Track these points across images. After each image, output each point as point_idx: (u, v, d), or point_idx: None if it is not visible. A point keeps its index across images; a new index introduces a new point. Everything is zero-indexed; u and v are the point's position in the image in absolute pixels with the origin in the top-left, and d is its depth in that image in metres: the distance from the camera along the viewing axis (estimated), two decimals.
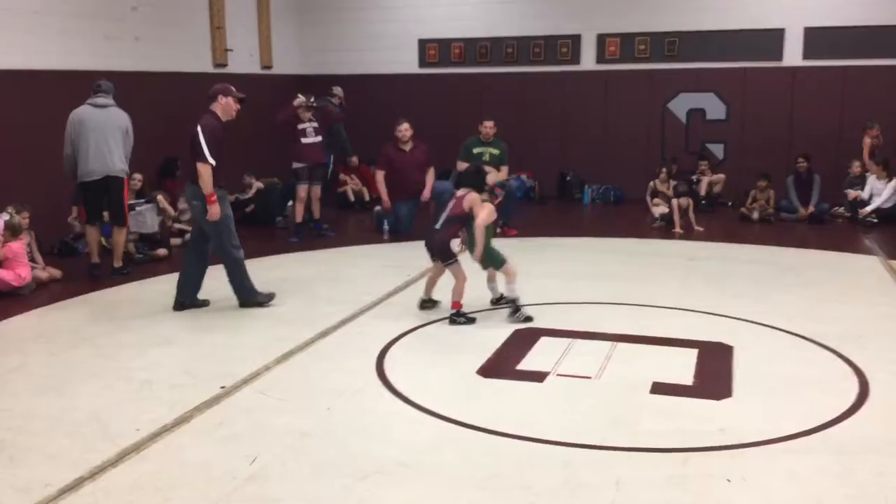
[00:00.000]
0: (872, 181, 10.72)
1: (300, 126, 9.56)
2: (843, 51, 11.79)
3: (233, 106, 6.54)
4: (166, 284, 7.57)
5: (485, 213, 6.27)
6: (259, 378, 5.04)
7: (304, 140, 9.57)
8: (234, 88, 6.60)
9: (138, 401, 4.74)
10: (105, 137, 7.69)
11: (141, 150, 8.99)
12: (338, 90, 11.46)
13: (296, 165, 9.64)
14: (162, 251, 8.78)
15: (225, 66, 11.90)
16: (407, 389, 4.82)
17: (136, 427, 4.30)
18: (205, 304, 6.76)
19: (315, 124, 9.64)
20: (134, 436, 4.20)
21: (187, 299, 6.66)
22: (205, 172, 6.31)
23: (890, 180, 10.60)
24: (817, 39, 11.88)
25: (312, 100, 9.82)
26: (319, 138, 9.66)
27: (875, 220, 10.44)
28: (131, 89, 10.16)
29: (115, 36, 10.14)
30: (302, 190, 9.69)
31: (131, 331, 6.12)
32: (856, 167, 11.15)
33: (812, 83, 11.99)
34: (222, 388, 4.86)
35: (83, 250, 8.81)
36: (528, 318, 6.16)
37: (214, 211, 6.37)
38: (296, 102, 9.64)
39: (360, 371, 5.16)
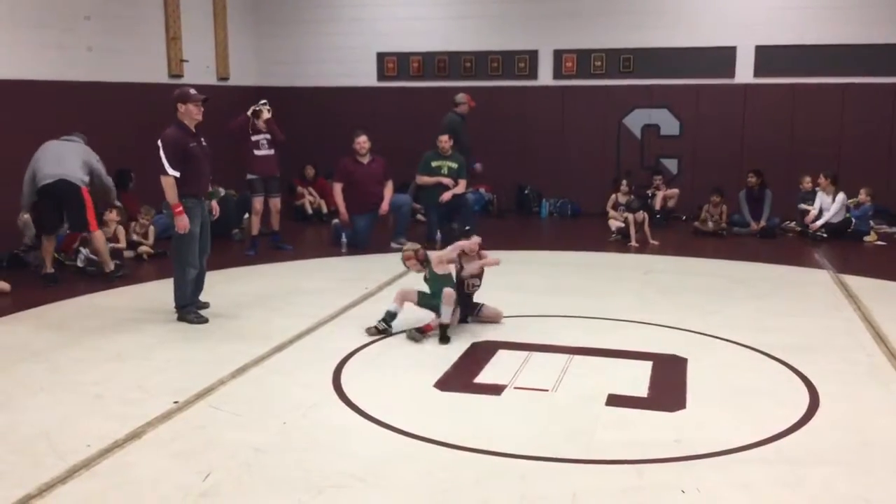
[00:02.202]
0: (821, 196, 10.98)
1: (254, 138, 9.41)
2: (792, 69, 12.10)
3: (194, 111, 6.49)
4: (118, 298, 7.47)
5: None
6: (213, 393, 4.97)
7: (257, 152, 9.39)
8: (192, 91, 6.53)
9: (89, 416, 4.64)
10: (62, 152, 7.99)
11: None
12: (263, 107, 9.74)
13: (249, 177, 9.55)
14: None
15: (181, 76, 11.77)
16: (364, 403, 4.79)
17: (87, 443, 4.20)
18: (205, 305, 6.77)
19: (268, 136, 9.47)
20: (84, 452, 4.11)
21: (191, 301, 6.65)
22: (166, 184, 6.31)
23: (836, 195, 10.87)
24: (768, 58, 12.18)
25: (264, 102, 9.56)
26: (272, 151, 9.50)
27: (824, 235, 10.69)
28: (84, 100, 10.04)
29: (67, 45, 9.98)
30: (257, 202, 9.59)
31: (82, 345, 5.99)
32: (806, 182, 11.41)
33: (763, 100, 12.27)
34: (175, 403, 4.78)
35: (34, 263, 8.63)
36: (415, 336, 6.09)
37: (181, 223, 6.34)
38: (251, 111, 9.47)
39: (317, 385, 5.12)
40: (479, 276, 6.55)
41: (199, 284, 6.78)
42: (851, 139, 11.98)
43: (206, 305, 6.83)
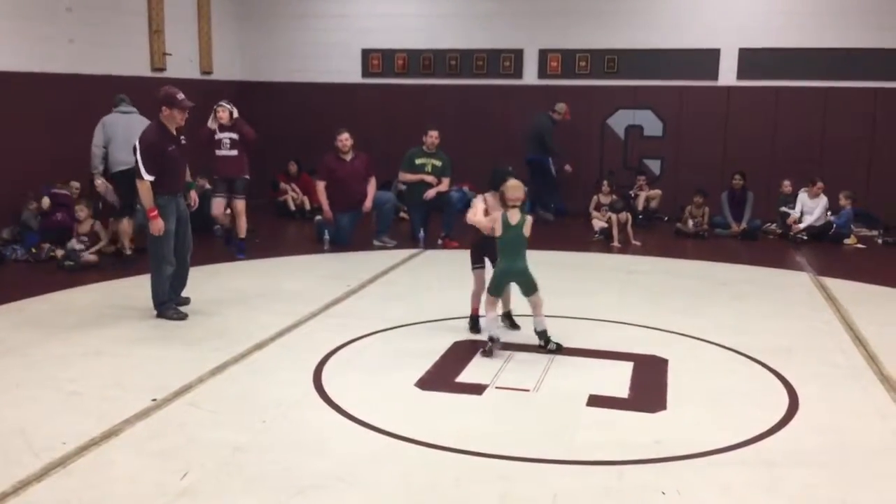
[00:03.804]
0: (804, 199, 11.05)
1: (216, 137, 8.95)
2: (775, 72, 12.17)
3: (178, 117, 6.46)
4: (96, 293, 7.39)
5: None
6: (192, 390, 4.92)
7: (218, 152, 8.95)
8: (180, 97, 6.45)
9: (65, 413, 4.59)
10: (131, 136, 7.66)
11: (76, 154, 8.78)
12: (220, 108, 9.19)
13: (214, 178, 9.29)
14: (92, 257, 8.50)
15: (163, 70, 11.68)
16: (345, 402, 4.77)
17: (63, 440, 4.15)
18: (185, 301, 6.75)
19: (233, 135, 8.95)
20: (60, 450, 4.06)
21: (169, 298, 6.60)
22: (141, 188, 6.31)
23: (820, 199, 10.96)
24: (751, 60, 12.24)
25: (221, 103, 9.06)
26: (235, 152, 8.96)
27: (805, 237, 10.77)
28: (65, 92, 9.94)
29: (48, 37, 9.87)
30: (216, 205, 9.25)
31: (60, 341, 5.92)
32: (786, 186, 11.48)
33: (745, 102, 12.33)
34: (154, 400, 4.73)
35: (9, 256, 8.54)
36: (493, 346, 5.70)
37: (155, 226, 6.33)
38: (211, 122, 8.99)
39: (297, 383, 5.09)
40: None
41: (181, 281, 6.74)
42: (832, 142, 12.07)
43: (186, 301, 6.78)
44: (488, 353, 5.60)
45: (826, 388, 5.20)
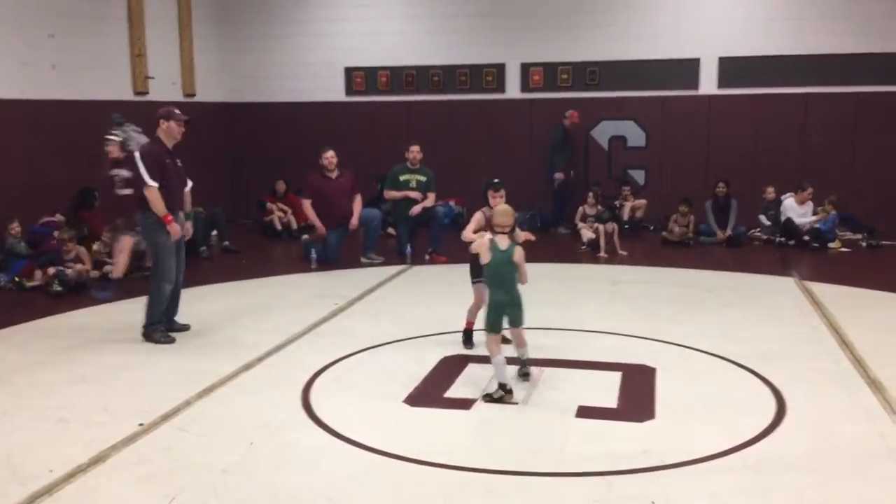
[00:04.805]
0: (791, 204, 11.11)
1: (110, 173, 8.20)
2: (755, 80, 12.27)
3: (175, 129, 6.51)
4: (83, 319, 7.35)
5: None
6: (179, 414, 4.89)
7: (115, 191, 8.18)
8: (177, 111, 6.56)
9: (52, 440, 4.55)
10: None
11: (59, 179, 8.75)
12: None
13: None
14: (83, 267, 8.44)
15: (146, 93, 11.69)
16: (333, 421, 4.75)
17: (49, 468, 4.12)
18: (185, 328, 6.70)
19: (123, 172, 7.99)
20: (46, 477, 4.02)
21: (165, 324, 6.58)
22: (151, 196, 6.32)
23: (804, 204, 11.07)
24: (731, 69, 12.35)
25: (120, 118, 8.55)
26: (129, 191, 7.62)
27: (791, 243, 10.85)
28: (47, 118, 9.93)
29: (30, 63, 9.86)
30: (120, 241, 8.41)
31: (46, 368, 5.88)
32: (770, 192, 11.56)
33: (727, 111, 12.43)
34: (140, 425, 4.70)
35: None
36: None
37: (174, 230, 6.37)
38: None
39: (285, 403, 5.07)
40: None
41: (174, 303, 6.71)
42: (814, 148, 12.17)
43: (186, 328, 6.73)
44: (494, 400, 5.03)
45: (814, 392, 5.22)
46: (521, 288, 5.32)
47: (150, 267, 6.81)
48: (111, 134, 8.23)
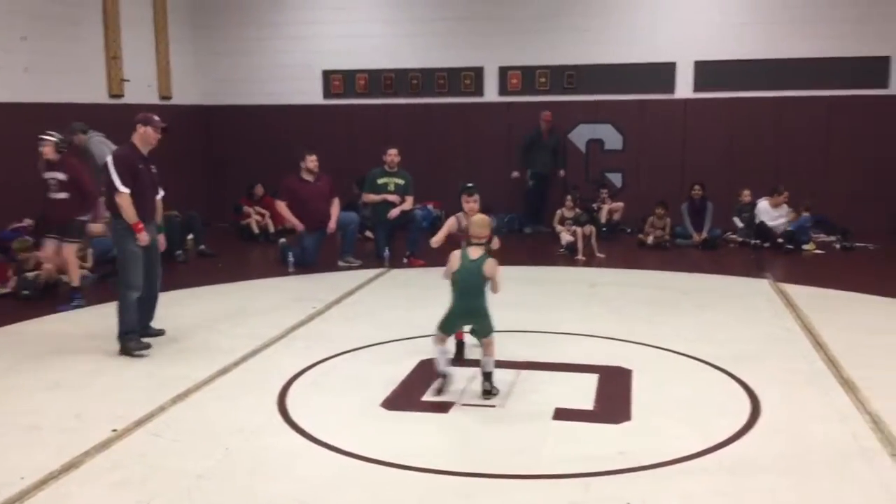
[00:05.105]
0: (765, 207, 11.22)
1: (44, 175, 7.89)
2: (730, 83, 12.38)
3: (152, 135, 6.41)
4: (55, 324, 7.27)
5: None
6: (153, 419, 4.85)
7: (48, 195, 7.89)
8: (156, 118, 6.46)
9: (24, 447, 4.49)
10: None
11: (31, 183, 8.63)
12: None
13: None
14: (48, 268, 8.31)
15: (121, 96, 11.59)
16: (309, 425, 4.73)
17: (21, 475, 4.06)
18: (160, 333, 6.61)
19: (59, 175, 7.80)
20: (18, 485, 3.97)
21: (140, 326, 6.46)
22: (122, 202, 6.19)
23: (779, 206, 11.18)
24: (706, 73, 12.45)
25: (83, 126, 8.54)
26: (65, 195, 7.79)
27: (766, 244, 10.95)
28: (21, 121, 9.80)
29: (3, 66, 9.75)
30: (46, 247, 8.18)
31: (18, 373, 5.81)
32: (745, 195, 11.66)
33: (702, 114, 12.52)
34: (114, 431, 4.65)
35: None
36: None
37: (143, 238, 6.23)
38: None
39: (261, 408, 5.04)
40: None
41: (150, 309, 6.61)
42: (788, 151, 12.30)
43: (161, 333, 6.64)
44: (439, 391, 5.18)
45: (788, 393, 5.27)
46: (491, 294, 5.26)
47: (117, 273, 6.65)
48: (46, 134, 7.86)
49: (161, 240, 6.71)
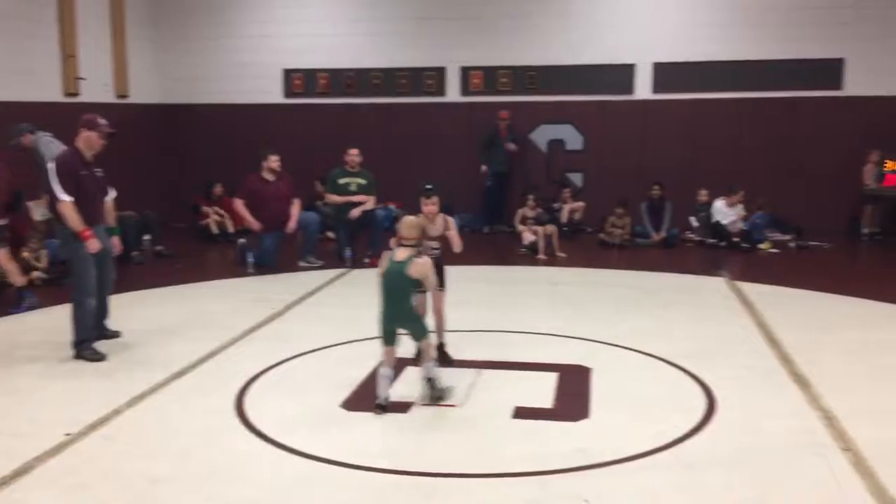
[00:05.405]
0: (720, 207, 11.39)
1: None
2: (689, 85, 12.54)
3: (96, 141, 6.20)
4: (8, 327, 7.12)
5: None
6: (108, 423, 4.77)
7: None
8: (102, 122, 6.25)
9: None
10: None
11: None
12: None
13: None
14: None
15: (77, 95, 11.38)
16: (268, 428, 4.69)
17: None
18: (115, 335, 6.47)
19: None
20: None
21: (96, 332, 6.31)
22: (64, 210, 5.99)
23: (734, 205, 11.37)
24: (665, 74, 12.60)
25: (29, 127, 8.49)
26: None
27: (722, 244, 11.12)
28: None
29: None
30: None
31: None
32: (703, 195, 11.82)
33: (661, 115, 12.67)
34: (67, 435, 4.57)
35: None
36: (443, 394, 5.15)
37: (93, 246, 6.04)
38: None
39: (219, 410, 4.98)
40: (439, 239, 5.85)
41: (101, 312, 6.46)
42: (746, 151, 12.49)
43: (116, 335, 6.52)
44: (380, 408, 4.94)
45: (742, 389, 5.35)
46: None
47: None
48: None
49: (115, 242, 6.57)
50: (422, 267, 5.03)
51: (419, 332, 5.11)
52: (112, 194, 6.54)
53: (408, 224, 5.15)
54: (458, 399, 5.16)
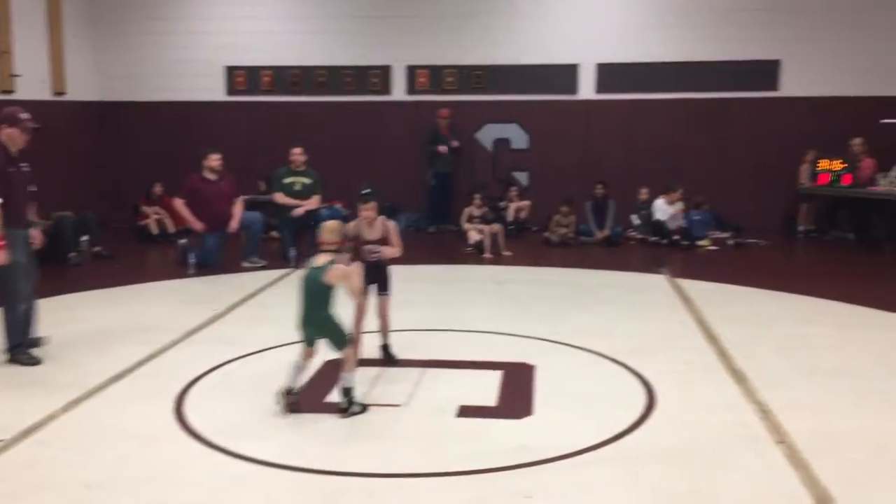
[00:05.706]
0: (660, 205, 11.59)
1: None
2: (631, 85, 12.73)
3: (18, 137, 5.94)
4: None
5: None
6: (42, 429, 4.65)
7: None
8: (24, 116, 5.98)
9: None
10: None
11: None
12: None
13: None
14: None
15: (12, 92, 11.04)
16: (207, 431, 4.62)
17: None
18: (37, 343, 6.15)
19: None
20: None
21: (23, 340, 6.02)
22: None
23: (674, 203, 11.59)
24: (608, 74, 12.77)
25: None
26: None
27: (664, 241, 11.32)
28: None
29: None
30: None
31: None
32: (644, 193, 12.01)
33: (604, 115, 12.85)
34: (1, 441, 4.44)
35: None
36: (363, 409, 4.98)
37: (2, 258, 5.70)
38: None
39: (157, 414, 4.89)
40: (379, 242, 5.82)
41: (28, 320, 6.17)
42: (686, 151, 12.72)
43: (37, 343, 6.23)
44: (284, 399, 4.88)
45: (681, 384, 5.45)
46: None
47: None
48: None
49: (37, 235, 6.24)
50: (339, 273, 4.86)
51: (338, 341, 4.93)
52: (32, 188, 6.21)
53: (328, 228, 5.04)
54: (403, 398, 5.15)
